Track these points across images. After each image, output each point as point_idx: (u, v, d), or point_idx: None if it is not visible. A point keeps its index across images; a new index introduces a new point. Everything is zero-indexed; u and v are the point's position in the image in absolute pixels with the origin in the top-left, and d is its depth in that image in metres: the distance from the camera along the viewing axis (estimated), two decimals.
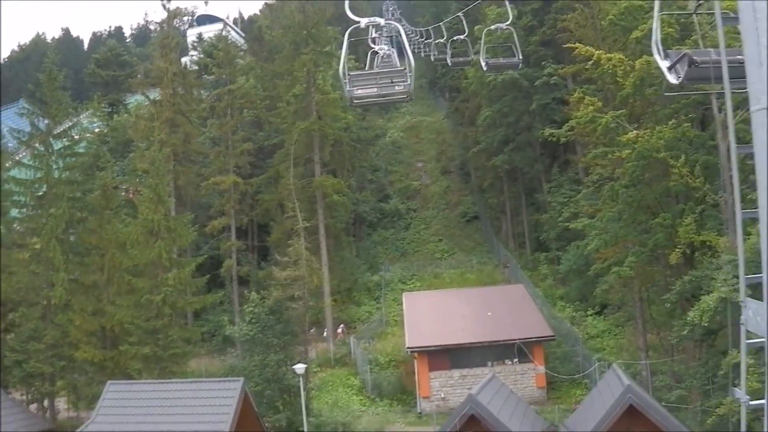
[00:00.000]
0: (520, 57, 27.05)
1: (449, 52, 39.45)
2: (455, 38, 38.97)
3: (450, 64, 40.41)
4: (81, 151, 51.72)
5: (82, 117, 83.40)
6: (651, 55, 36.04)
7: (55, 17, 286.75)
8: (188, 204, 61.87)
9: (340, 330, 58.12)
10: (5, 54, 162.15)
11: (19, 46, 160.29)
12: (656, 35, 9.90)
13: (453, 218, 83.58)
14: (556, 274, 62.05)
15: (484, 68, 28.24)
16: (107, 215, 44.21)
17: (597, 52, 37.91)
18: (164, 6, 63.22)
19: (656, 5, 10.38)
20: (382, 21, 18.10)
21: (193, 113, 64.68)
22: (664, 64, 8.96)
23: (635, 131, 36.04)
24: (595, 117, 37.99)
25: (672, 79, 8.95)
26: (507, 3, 29.26)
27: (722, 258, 30.93)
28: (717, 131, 34.35)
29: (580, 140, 53.43)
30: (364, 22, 16.66)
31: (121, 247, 43.58)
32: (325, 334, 57.14)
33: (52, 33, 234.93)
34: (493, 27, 27.86)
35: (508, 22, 26.98)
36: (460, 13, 37.93)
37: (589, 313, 54.86)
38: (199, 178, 61.60)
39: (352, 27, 16.47)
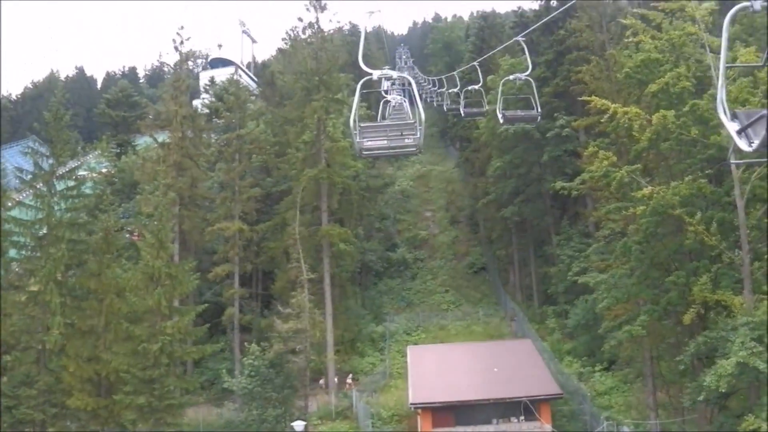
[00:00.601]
0: (539, 110, 25.79)
1: (462, 102, 38.46)
2: (469, 88, 37.69)
3: (463, 115, 39.26)
4: (86, 192, 50.95)
5: (89, 157, 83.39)
6: (667, 108, 35.95)
7: (70, 55, 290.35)
8: (192, 249, 61.03)
9: (349, 380, 56.74)
10: (18, 90, 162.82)
11: (32, 82, 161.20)
12: (721, 93, 8.48)
13: (460, 269, 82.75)
14: (564, 328, 60.81)
15: (501, 121, 26.64)
16: (108, 259, 42.84)
17: (613, 105, 37.20)
18: (176, 48, 62.69)
19: (722, 58, 9.02)
20: (394, 74, 17.99)
21: (201, 157, 64.15)
22: (732, 127, 7.75)
23: (650, 187, 35.13)
24: (609, 171, 37.17)
25: (743, 145, 7.75)
26: (526, 52, 28.18)
27: (738, 319, 29.94)
28: (735, 187, 33.41)
29: (591, 194, 52.74)
30: (376, 74, 16.34)
31: (120, 292, 42.39)
32: (323, 384, 55.69)
33: (67, 71, 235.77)
34: (511, 77, 26.40)
35: (527, 73, 25.56)
36: (475, 62, 37.03)
37: (596, 368, 53.42)
38: (205, 223, 60.67)
39: (365, 79, 15.91)
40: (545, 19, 53.62)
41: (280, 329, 45.15)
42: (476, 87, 36.61)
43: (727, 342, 29.27)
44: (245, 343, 51.76)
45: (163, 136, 63.75)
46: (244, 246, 59.86)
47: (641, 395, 48.02)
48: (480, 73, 37.77)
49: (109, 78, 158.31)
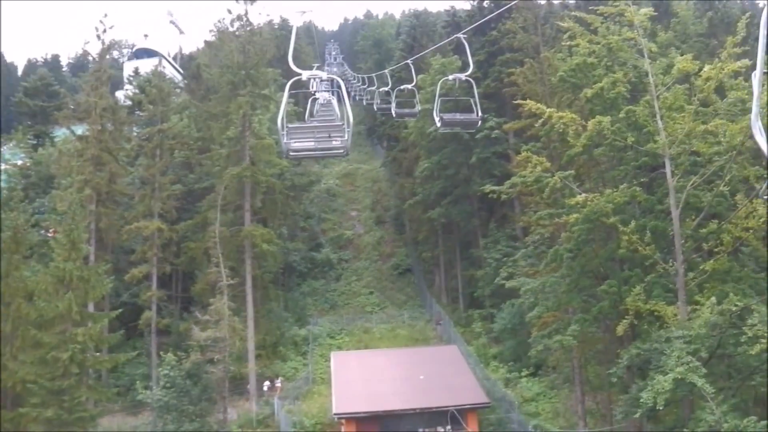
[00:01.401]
0: (480, 113, 24.01)
1: (394, 101, 37.13)
2: (401, 87, 36.43)
3: (395, 116, 38.01)
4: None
5: (4, 148, 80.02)
6: (601, 113, 35.28)
7: None
8: (109, 248, 58.48)
9: (278, 383, 54.90)
10: None
11: None
12: (756, 107, 6.86)
13: (385, 270, 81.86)
14: (490, 333, 60.16)
15: (438, 125, 24.77)
16: (16, 260, 39.87)
17: (548, 109, 36.34)
18: (99, 37, 59.57)
19: (759, 66, 7.24)
20: (324, 75, 17.54)
21: (121, 151, 61.42)
22: None
23: (583, 194, 34.37)
24: (542, 177, 36.34)
25: None
26: (468, 50, 26.88)
27: (672, 331, 29.34)
28: (670, 196, 32.88)
29: (519, 197, 52.18)
30: (306, 74, 16.13)
31: (29, 296, 39.70)
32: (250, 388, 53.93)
33: None
34: (450, 77, 24.74)
35: (468, 73, 24.19)
36: (408, 61, 35.75)
37: (523, 374, 52.95)
38: (123, 221, 58.03)
39: (294, 78, 15.64)
40: (481, 21, 52.87)
41: (198, 338, 43.24)
42: (409, 86, 35.54)
43: (661, 354, 28.61)
44: (163, 348, 49.73)
45: (82, 129, 60.90)
46: (163, 246, 57.46)
47: (569, 402, 47.64)
48: (414, 72, 36.61)
49: (31, 65, 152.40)
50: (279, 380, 55.34)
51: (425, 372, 48.62)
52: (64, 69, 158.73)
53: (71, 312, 38.14)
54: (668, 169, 33.13)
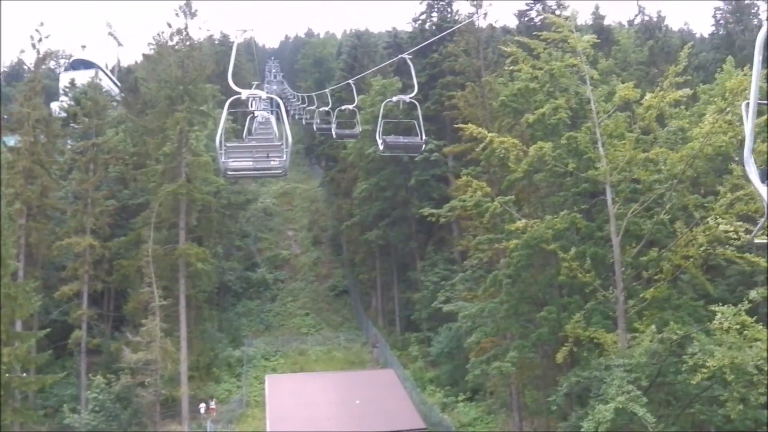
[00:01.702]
0: (424, 137, 23.14)
1: (334, 122, 36.58)
2: (342, 108, 35.21)
3: (335, 137, 37.18)
4: None
5: None
6: (542, 139, 35.31)
7: None
8: (39, 263, 56.50)
9: (213, 404, 53.64)
10: None
11: None
12: (750, 142, 6.26)
13: (322, 291, 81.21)
14: (427, 356, 59.79)
15: (381, 148, 23.70)
16: None
17: (489, 134, 36.18)
18: (34, 46, 57.72)
19: (752, 98, 6.62)
20: (264, 94, 17.12)
21: (53, 165, 59.58)
22: (764, 190, 5.36)
23: (524, 220, 34.24)
24: (482, 202, 36.13)
25: None
26: (413, 71, 26.17)
27: (612, 359, 29.22)
28: (610, 223, 32.90)
29: (458, 221, 52.00)
30: (245, 93, 15.55)
31: None
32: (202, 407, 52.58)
33: None
34: (394, 99, 23.62)
35: (412, 94, 22.86)
36: (350, 81, 35.12)
37: (460, 398, 52.53)
38: (54, 236, 56.20)
39: (234, 97, 15.34)
40: (423, 44, 52.35)
41: (129, 360, 41.96)
42: (350, 107, 34.45)
43: (601, 382, 28.45)
44: (93, 369, 48.27)
45: (14, 140, 58.97)
46: (95, 263, 55.74)
47: (506, 427, 47.42)
48: (355, 92, 36.09)
49: None
50: (213, 402, 54.16)
51: (361, 396, 48.08)
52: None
53: None
54: (609, 197, 33.19)
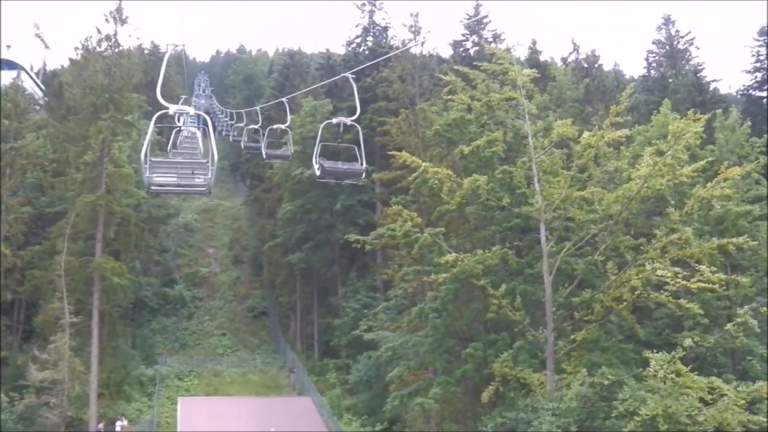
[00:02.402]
0: (364, 163, 22.75)
1: (264, 141, 35.57)
2: (274, 127, 34.57)
3: (265, 157, 36.49)
4: None
5: None
6: (475, 171, 34.84)
7: None
8: None
9: (123, 422, 51.31)
10: None
11: None
12: None
13: (240, 312, 79.75)
14: (345, 384, 58.60)
15: (318, 173, 23.22)
16: None
17: (424, 163, 35.53)
18: None
19: None
20: (192, 110, 16.50)
21: None
22: None
23: (453, 253, 33.59)
24: (411, 233, 35.41)
25: None
26: (355, 92, 25.77)
27: (540, 400, 28.70)
28: (543, 261, 32.48)
29: (383, 248, 51.18)
30: (173, 109, 15.49)
31: None
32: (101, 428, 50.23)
33: None
34: (334, 120, 23.51)
35: (354, 117, 23.18)
36: (284, 99, 34.32)
37: (377, 428, 51.30)
38: None
39: (161, 112, 15.33)
40: (358, 67, 51.81)
41: (35, 378, 39.89)
42: (282, 126, 33.93)
43: (528, 425, 27.87)
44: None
45: None
46: (6, 272, 53.17)
47: None
48: (288, 111, 35.31)
49: None
50: (124, 420, 51.95)
51: (277, 424, 46.82)
52: None
53: None
54: (542, 234, 32.87)
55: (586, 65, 67.16)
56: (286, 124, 33.82)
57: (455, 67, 43.45)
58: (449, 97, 39.62)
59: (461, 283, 34.08)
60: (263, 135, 35.99)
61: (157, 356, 67.66)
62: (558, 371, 30.83)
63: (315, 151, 23.41)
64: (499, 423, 30.30)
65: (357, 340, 53.23)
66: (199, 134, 20.46)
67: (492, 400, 33.64)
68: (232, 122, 64.77)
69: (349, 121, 22.97)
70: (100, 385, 51.21)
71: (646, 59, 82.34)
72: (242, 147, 49.21)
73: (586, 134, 33.12)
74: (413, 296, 43.74)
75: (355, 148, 23.39)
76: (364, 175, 24.07)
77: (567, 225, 33.78)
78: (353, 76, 24.33)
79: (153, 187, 15.42)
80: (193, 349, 71.77)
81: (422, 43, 57.70)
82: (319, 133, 23.98)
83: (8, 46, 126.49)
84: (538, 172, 33.64)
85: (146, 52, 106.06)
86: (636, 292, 29.71)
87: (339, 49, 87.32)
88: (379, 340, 43.58)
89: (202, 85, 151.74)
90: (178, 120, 18.51)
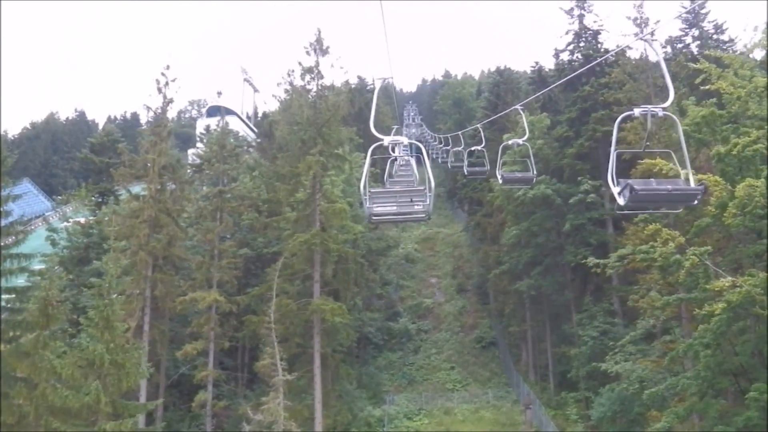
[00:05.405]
0: (535, 172, 26.59)
1: (466, 161, 35.98)
2: (472, 148, 36.56)
3: (466, 174, 37.14)
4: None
5: (68, 207, 77.17)
6: (735, 175, 29.39)
7: (72, 98, 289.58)
8: (167, 316, 53.05)
9: None
10: (17, 130, 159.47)
11: (31, 123, 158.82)
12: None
13: (467, 343, 76.24)
14: (587, 420, 53.48)
15: (500, 181, 27.42)
16: (44, 337, 33.46)
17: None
18: (160, 90, 54.60)
19: None
20: (405, 140, 16.84)
21: (182, 213, 56.54)
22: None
23: (729, 278, 28.02)
24: (669, 254, 30.23)
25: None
26: (524, 121, 29.07)
27: None
28: None
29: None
30: (387, 140, 15.96)
31: (57, 380, 33.60)
32: None
33: (67, 113, 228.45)
34: (510, 142, 28.34)
35: (524, 138, 28.25)
36: (479, 125, 36.86)
37: None
38: (180, 288, 52.69)
39: (376, 144, 15.88)
40: (571, 75, 47.32)
41: None
42: (479, 147, 35.20)
43: None
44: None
45: (139, 188, 55.96)
46: (222, 319, 52.11)
47: None
48: (483, 135, 35.68)
49: (110, 122, 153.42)
50: None
51: None
52: (143, 126, 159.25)
53: (100, 403, 32.09)
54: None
55: None
56: (482, 145, 34.72)
57: (707, 52, 38.08)
58: (705, 87, 34.16)
59: (735, 312, 28.48)
60: (465, 155, 36.86)
61: (384, 394, 65.52)
62: None
63: (498, 164, 27.62)
64: None
65: (595, 372, 48.76)
66: (412, 161, 20.90)
67: None
68: (442, 146, 62.07)
69: (520, 141, 27.74)
70: (326, 431, 48.97)
71: None
72: (449, 167, 47.59)
73: None
74: (662, 325, 38.47)
75: (527, 160, 27.21)
76: (533, 180, 27.57)
77: None
78: (522, 107, 30.20)
79: (374, 218, 15.54)
80: (421, 384, 69.08)
81: (652, 33, 51.69)
82: (500, 151, 28.68)
83: (219, 93, 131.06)
84: None
85: (353, 85, 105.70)
86: None
87: (548, 62, 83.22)
88: (622, 372, 38.91)
89: (412, 114, 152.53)
90: (393, 150, 17.44)
